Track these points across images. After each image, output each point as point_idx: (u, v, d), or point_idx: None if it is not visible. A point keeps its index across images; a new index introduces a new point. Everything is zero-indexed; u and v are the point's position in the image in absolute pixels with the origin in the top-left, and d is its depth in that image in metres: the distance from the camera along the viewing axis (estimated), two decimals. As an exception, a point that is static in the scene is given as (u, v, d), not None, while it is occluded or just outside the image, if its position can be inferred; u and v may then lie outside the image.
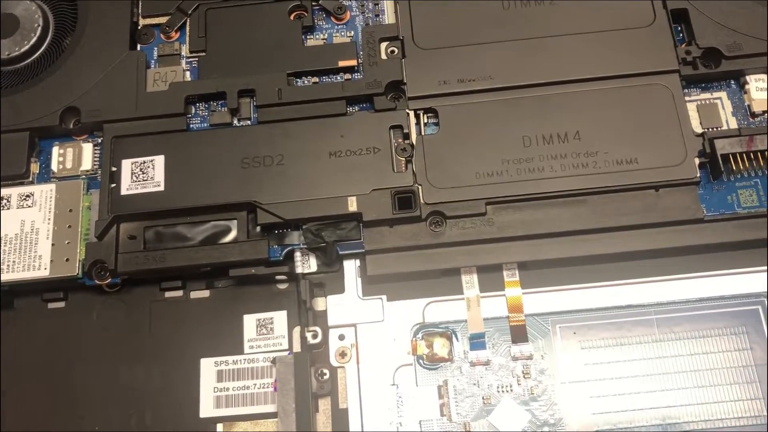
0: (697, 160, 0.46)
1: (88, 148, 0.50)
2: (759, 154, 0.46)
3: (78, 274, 0.47)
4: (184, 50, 0.52)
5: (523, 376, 0.44)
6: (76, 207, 0.48)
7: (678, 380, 0.44)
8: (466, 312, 0.46)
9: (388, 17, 0.52)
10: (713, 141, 0.45)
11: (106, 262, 0.46)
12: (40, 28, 0.53)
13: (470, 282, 0.46)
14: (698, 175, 0.45)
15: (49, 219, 0.48)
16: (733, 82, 0.49)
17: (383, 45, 0.50)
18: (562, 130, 0.47)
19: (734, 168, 0.46)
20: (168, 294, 0.48)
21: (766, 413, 0.43)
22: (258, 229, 0.47)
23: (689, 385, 0.44)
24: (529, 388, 0.44)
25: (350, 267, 0.47)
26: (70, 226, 0.48)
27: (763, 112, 0.48)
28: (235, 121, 0.50)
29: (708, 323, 0.45)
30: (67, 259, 0.47)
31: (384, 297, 0.46)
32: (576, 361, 0.44)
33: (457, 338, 0.45)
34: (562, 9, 0.50)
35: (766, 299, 0.45)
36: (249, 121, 0.50)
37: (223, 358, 0.46)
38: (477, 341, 0.45)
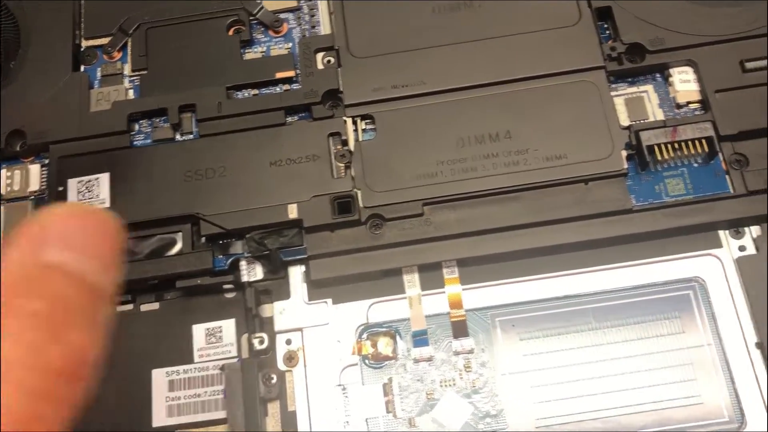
0: (624, 153, 0.47)
1: (35, 170, 0.51)
2: (683, 143, 0.47)
3: (28, 293, 0.47)
4: (127, 69, 0.53)
5: (465, 370, 0.46)
6: (24, 227, 0.49)
7: (615, 366, 0.45)
8: (408, 310, 0.47)
9: (324, 28, 0.53)
10: (639, 133, 0.47)
11: (56, 280, 0.47)
12: (-18, 54, 0.54)
13: (411, 281, 0.48)
14: (626, 167, 0.47)
15: (-2, 241, 0.49)
16: (658, 76, 0.51)
17: (319, 55, 0.52)
18: (494, 130, 0.48)
19: (660, 158, 0.47)
20: (118, 308, 0.49)
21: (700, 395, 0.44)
22: (203, 240, 0.48)
23: (626, 370, 0.45)
24: (471, 381, 0.45)
25: (295, 273, 0.48)
26: (18, 247, 0.49)
27: (688, 103, 0.49)
28: (178, 136, 0.51)
29: (642, 309, 0.46)
30: (17, 279, 0.48)
31: (329, 300, 0.48)
32: (516, 352, 0.46)
33: (400, 336, 0.47)
34: (490, 12, 0.51)
35: (696, 284, 0.46)
36: (191, 135, 0.51)
37: (174, 368, 0.47)
38: (419, 338, 0.47)
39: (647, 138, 0.47)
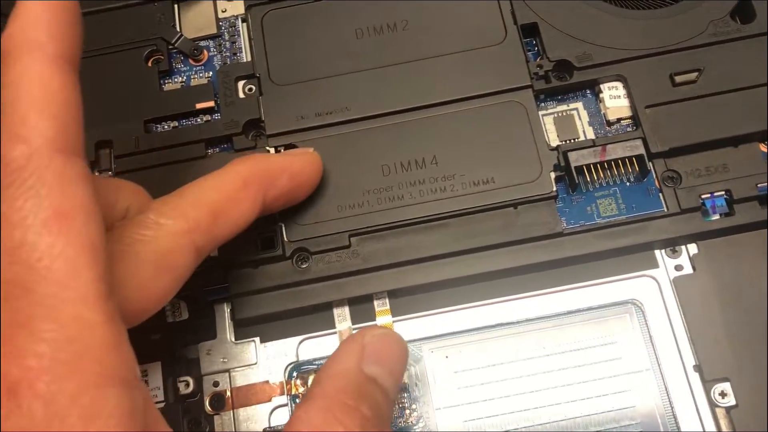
0: (553, 174, 0.46)
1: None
2: (614, 162, 0.46)
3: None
4: (43, 105, 0.51)
5: (398, 406, 0.44)
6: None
7: (553, 396, 0.44)
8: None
9: (246, 55, 0.52)
10: (567, 154, 0.46)
11: None
12: None
13: (342, 315, 0.46)
14: (554, 189, 0.45)
15: None
16: (589, 92, 0.49)
17: (240, 84, 0.50)
18: (420, 156, 0.47)
19: (590, 179, 0.46)
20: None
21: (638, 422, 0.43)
22: (123, 282, 0.46)
23: (564, 399, 0.44)
24: (405, 417, 0.44)
25: (221, 312, 0.47)
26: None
27: (619, 119, 0.48)
28: (96, 174, 0.49)
29: (578, 335, 0.45)
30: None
31: (257, 339, 0.46)
32: (450, 385, 0.44)
33: (331, 374, 0.45)
34: (415, 34, 0.50)
35: (633, 306, 0.45)
36: (110, 173, 0.49)
37: (100, 416, 0.45)
38: (351, 375, 0.45)
39: (576, 159, 0.46)
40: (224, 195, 0.39)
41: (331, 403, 0.35)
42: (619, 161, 0.46)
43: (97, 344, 0.29)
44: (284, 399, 0.45)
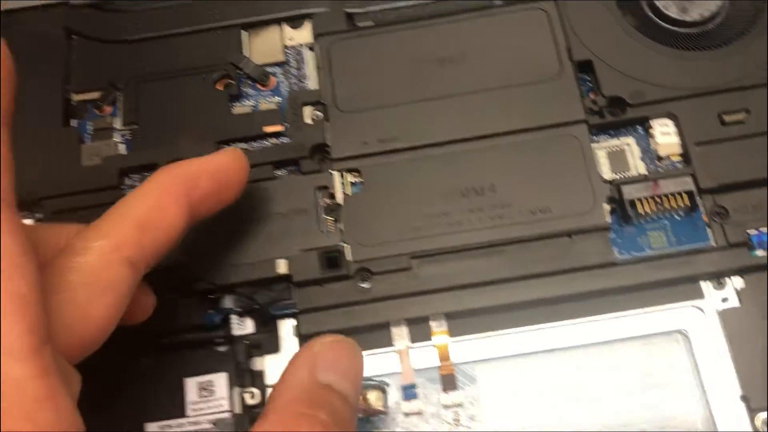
0: (607, 206, 0.48)
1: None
2: (665, 197, 0.48)
3: (20, 349, 0.48)
4: (118, 124, 0.54)
5: (455, 424, 0.46)
6: (16, 283, 0.50)
7: (601, 421, 0.46)
8: (398, 364, 0.48)
9: (312, 82, 0.54)
10: (621, 187, 0.48)
11: (48, 336, 0.48)
12: (-25, 110, 0.54)
13: (400, 334, 0.48)
14: (608, 220, 0.48)
15: (-10, 297, 0.49)
16: (640, 128, 0.52)
17: (307, 109, 0.53)
18: (478, 184, 0.49)
19: (642, 212, 0.48)
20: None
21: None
22: (193, 294, 0.48)
23: (612, 425, 0.46)
24: (459, 434, 0.46)
25: (285, 326, 0.49)
26: (11, 303, 0.49)
27: (669, 156, 0.50)
28: (167, 193, 0.52)
29: (627, 362, 0.47)
30: (10, 336, 0.48)
31: (319, 353, 0.48)
32: (503, 405, 0.46)
33: (390, 390, 0.47)
34: (474, 67, 0.52)
35: (679, 335, 0.47)
36: (182, 191, 0.52)
37: (167, 422, 0.48)
38: (409, 391, 0.47)
39: (629, 192, 0.48)
40: (147, 205, 0.40)
41: (287, 415, 0.35)
42: (670, 196, 0.48)
43: (28, 401, 0.28)
44: (344, 412, 0.47)
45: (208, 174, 0.43)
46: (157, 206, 0.40)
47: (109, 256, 0.37)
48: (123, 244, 0.37)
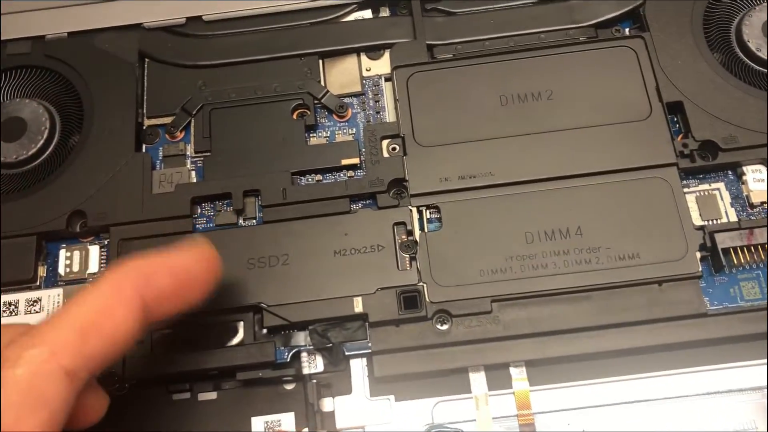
0: (698, 254, 0.46)
1: (95, 251, 0.51)
2: (759, 246, 0.46)
3: (86, 380, 0.47)
4: (189, 150, 0.53)
5: (537, 477, 0.44)
6: (83, 311, 0.48)
7: (689, 477, 0.44)
8: (474, 411, 0.46)
9: (389, 114, 0.53)
10: (713, 235, 0.46)
11: (114, 368, 0.46)
12: (47, 131, 0.53)
13: (478, 380, 0.46)
14: (700, 269, 0.46)
15: (56, 324, 0.48)
16: (730, 173, 0.50)
17: (385, 142, 0.51)
18: (564, 226, 0.47)
19: (735, 261, 0.46)
20: (175, 396, 0.48)
21: None
22: (264, 330, 0.47)
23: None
24: (540, 488, 0.44)
25: (357, 366, 0.47)
26: (77, 331, 0.48)
27: (762, 203, 0.48)
28: (241, 221, 0.50)
29: (713, 418, 0.45)
30: (75, 366, 0.47)
31: (392, 397, 0.46)
32: (586, 459, 0.44)
33: (466, 438, 0.45)
34: (560, 104, 0.51)
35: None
36: (254, 221, 0.50)
37: (233, 461, 0.46)
38: (486, 440, 0.45)
39: (722, 240, 0.46)
40: (92, 308, 0.35)
41: None
42: (765, 246, 0.46)
43: None
44: (419, 459, 0.45)
45: (167, 271, 0.38)
46: (104, 309, 0.36)
47: (42, 366, 0.33)
48: (60, 352, 0.34)
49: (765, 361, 0.46)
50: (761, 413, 0.45)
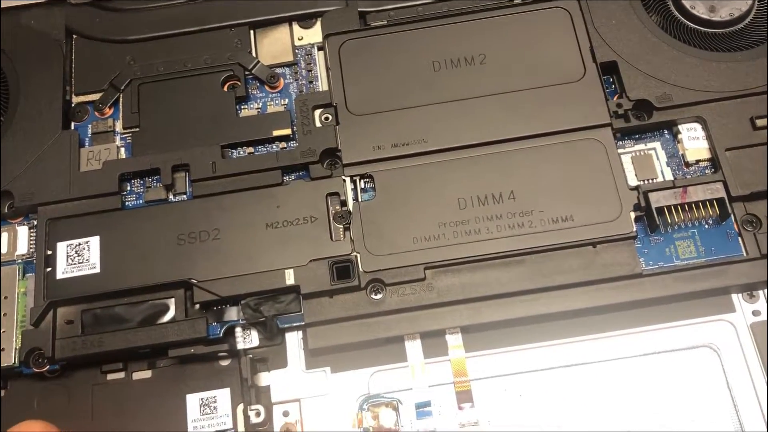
0: (633, 215, 0.45)
1: (23, 232, 0.50)
2: (694, 205, 0.46)
3: (14, 363, 0.46)
4: (118, 126, 0.52)
5: (470, 443, 0.44)
6: (11, 293, 0.47)
7: (627, 438, 0.43)
8: (411, 379, 0.45)
9: (322, 84, 0.52)
10: (648, 194, 0.45)
11: (43, 349, 0.45)
12: (-29, 111, 0.52)
13: (414, 348, 0.46)
14: (635, 230, 0.45)
15: (-16, 307, 0.47)
16: (666, 132, 0.49)
17: (317, 112, 0.50)
18: (497, 191, 0.47)
19: (670, 220, 0.45)
20: (110, 377, 0.47)
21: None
22: (196, 306, 0.46)
23: (639, 442, 0.43)
24: (476, 455, 0.44)
25: (293, 339, 0.47)
26: (5, 314, 0.47)
27: (697, 161, 0.48)
28: (171, 197, 0.49)
29: (653, 379, 0.44)
30: (3, 348, 0.46)
31: (328, 369, 0.46)
32: (523, 425, 0.44)
33: (403, 407, 0.45)
34: (493, 68, 0.50)
35: (709, 350, 0.45)
36: (185, 196, 0.49)
37: (168, 440, 0.45)
38: (423, 409, 0.45)
39: (657, 199, 0.45)
40: None
41: None
42: (699, 204, 0.45)
43: None
44: (356, 431, 0.44)
45: None
46: None
47: None
48: None
49: (703, 319, 0.45)
50: (701, 372, 0.44)
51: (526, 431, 0.44)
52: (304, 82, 0.52)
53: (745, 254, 0.45)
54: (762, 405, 0.43)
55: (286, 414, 0.45)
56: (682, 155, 0.48)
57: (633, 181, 0.47)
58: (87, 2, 0.55)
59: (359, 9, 0.53)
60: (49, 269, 0.47)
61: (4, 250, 0.49)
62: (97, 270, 0.47)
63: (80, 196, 0.49)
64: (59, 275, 0.47)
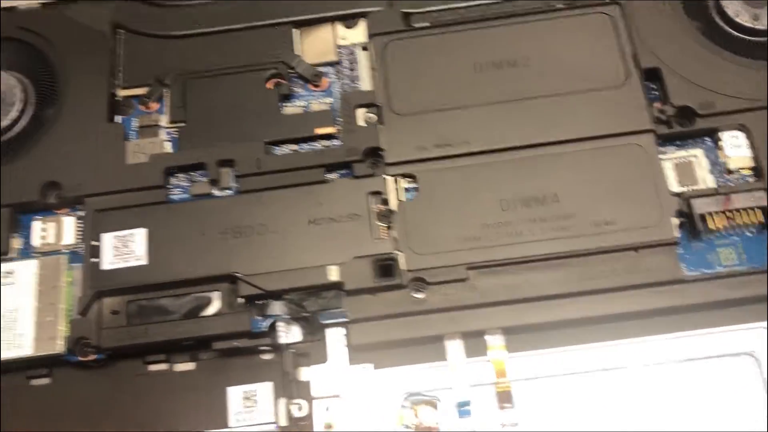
0: (675, 220, 0.46)
1: (69, 222, 0.50)
2: (737, 212, 0.46)
3: (62, 351, 0.46)
4: (164, 121, 0.53)
5: (509, 442, 0.44)
6: (58, 283, 0.48)
7: (666, 442, 0.44)
8: (451, 378, 0.46)
9: (364, 83, 0.53)
10: (690, 201, 0.46)
11: (90, 338, 0.46)
12: (20, 103, 0.53)
13: (455, 348, 0.46)
14: (677, 235, 0.45)
15: (31, 296, 0.48)
16: (708, 140, 0.49)
17: (360, 111, 0.51)
18: (540, 193, 0.47)
19: (712, 227, 0.46)
20: (152, 367, 0.47)
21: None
22: (240, 300, 0.47)
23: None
24: (516, 454, 0.44)
25: (334, 336, 0.47)
26: (52, 303, 0.48)
27: (739, 169, 0.48)
28: (216, 192, 0.50)
29: (693, 384, 0.45)
30: (51, 337, 0.47)
31: (370, 365, 0.46)
32: (561, 426, 0.44)
33: (443, 406, 0.45)
34: (535, 72, 0.50)
35: (748, 358, 0.45)
36: (229, 191, 0.50)
37: (210, 432, 0.46)
38: (463, 409, 0.45)
39: (699, 206, 0.46)
40: None
41: None
42: (742, 211, 0.46)
43: None
44: (397, 428, 0.45)
45: None
46: None
47: None
48: None
49: (743, 326, 0.45)
50: (739, 380, 0.45)
51: (565, 432, 0.44)
52: (347, 81, 0.53)
53: (786, 263, 0.45)
54: (801, 412, 0.43)
55: (327, 409, 0.46)
56: (724, 163, 0.48)
57: (675, 188, 0.48)
58: (134, -2, 0.56)
59: (402, 10, 0.54)
60: (95, 260, 0.48)
61: (50, 240, 0.50)
62: (144, 262, 0.47)
63: (126, 189, 0.50)
64: (105, 266, 0.48)
